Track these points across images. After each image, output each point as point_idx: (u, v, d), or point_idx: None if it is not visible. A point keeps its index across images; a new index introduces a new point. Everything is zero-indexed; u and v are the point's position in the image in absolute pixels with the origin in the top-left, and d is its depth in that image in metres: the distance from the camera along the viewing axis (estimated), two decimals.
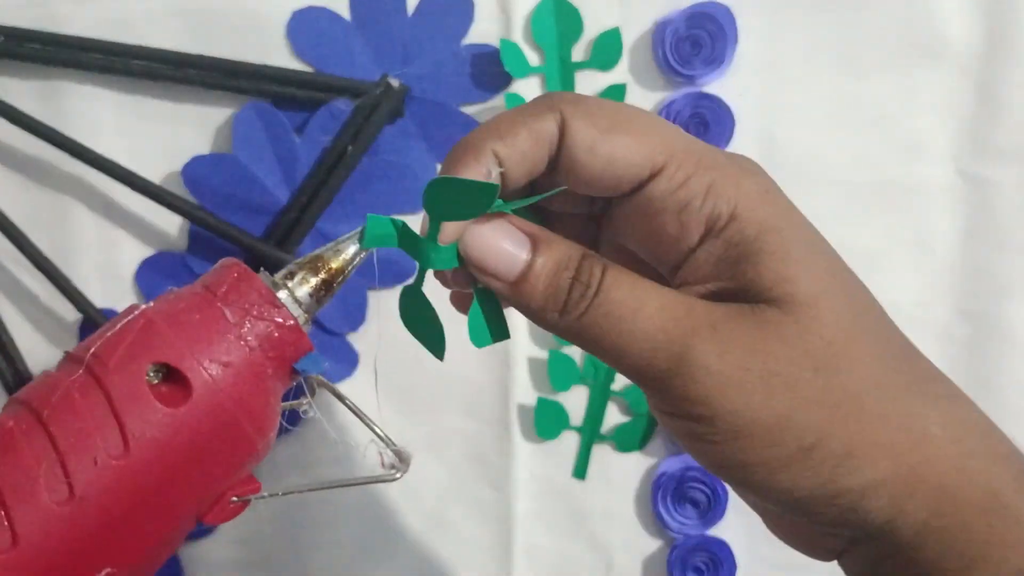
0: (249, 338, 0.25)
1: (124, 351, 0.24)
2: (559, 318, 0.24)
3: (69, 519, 0.23)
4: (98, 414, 0.23)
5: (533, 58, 0.40)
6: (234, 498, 0.26)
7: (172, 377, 0.24)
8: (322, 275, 0.26)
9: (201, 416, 0.24)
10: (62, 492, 0.23)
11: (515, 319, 0.41)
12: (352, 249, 0.26)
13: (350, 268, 0.26)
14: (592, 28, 0.40)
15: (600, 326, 0.23)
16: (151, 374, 0.24)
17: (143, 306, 0.25)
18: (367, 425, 0.27)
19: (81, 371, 0.24)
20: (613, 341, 0.23)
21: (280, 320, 0.25)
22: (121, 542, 0.24)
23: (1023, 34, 0.39)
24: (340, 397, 0.27)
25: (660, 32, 0.39)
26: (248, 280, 0.25)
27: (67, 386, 0.24)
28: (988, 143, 0.40)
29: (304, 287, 0.26)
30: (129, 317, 0.25)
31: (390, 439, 0.27)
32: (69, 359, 0.25)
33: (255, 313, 0.25)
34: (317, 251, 0.26)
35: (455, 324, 0.42)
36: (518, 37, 0.40)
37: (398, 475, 0.27)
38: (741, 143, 0.40)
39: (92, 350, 0.24)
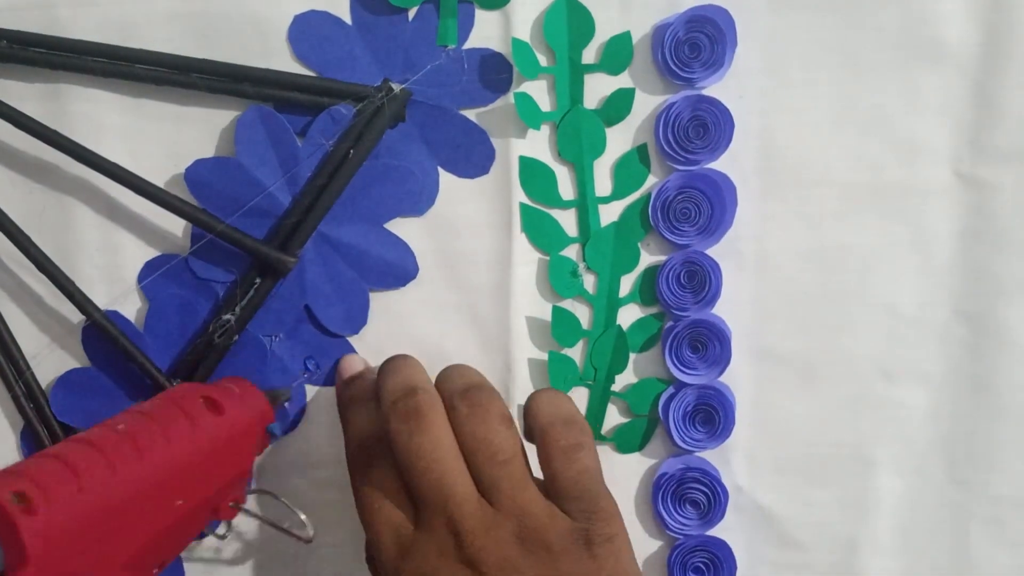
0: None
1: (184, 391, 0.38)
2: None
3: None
4: (168, 415, 0.36)
5: (539, 60, 0.40)
6: (231, 503, 0.38)
7: (212, 405, 0.37)
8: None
9: (229, 424, 0.37)
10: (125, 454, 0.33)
11: (515, 320, 0.42)
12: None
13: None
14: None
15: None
16: (201, 400, 0.37)
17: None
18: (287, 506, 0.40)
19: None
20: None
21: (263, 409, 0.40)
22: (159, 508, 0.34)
23: (1021, 36, 0.39)
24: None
25: (659, 35, 0.39)
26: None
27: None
28: (986, 145, 0.40)
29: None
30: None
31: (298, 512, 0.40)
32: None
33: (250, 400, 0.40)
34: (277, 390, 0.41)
35: (455, 326, 0.42)
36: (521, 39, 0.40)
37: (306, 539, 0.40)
38: (740, 145, 0.40)
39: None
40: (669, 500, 0.42)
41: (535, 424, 0.36)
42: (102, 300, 0.41)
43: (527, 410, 0.37)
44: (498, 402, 0.36)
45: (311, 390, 0.42)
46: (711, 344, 0.41)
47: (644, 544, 0.43)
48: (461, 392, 0.36)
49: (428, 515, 0.34)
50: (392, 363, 0.38)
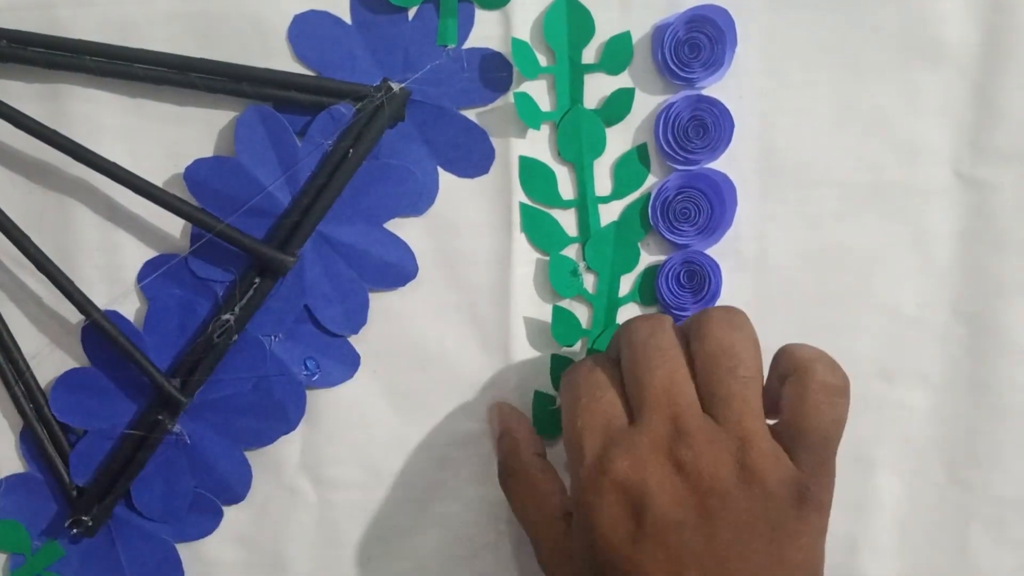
0: None
1: None
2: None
3: None
4: None
5: (539, 60, 0.40)
6: None
7: None
8: None
9: None
10: None
11: (514, 320, 0.42)
12: None
13: None
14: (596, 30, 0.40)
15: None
16: None
17: None
18: None
19: None
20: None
21: None
22: None
23: (1021, 36, 0.39)
24: None
25: (659, 35, 0.39)
26: None
27: None
28: (986, 145, 0.40)
29: None
30: None
31: None
32: None
33: None
34: None
35: (455, 325, 0.42)
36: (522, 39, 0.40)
37: None
38: (740, 145, 0.40)
39: None
40: None
41: (794, 359, 0.33)
42: (102, 300, 0.41)
43: (783, 351, 0.34)
44: (752, 326, 0.34)
45: (311, 390, 0.42)
46: None
47: None
48: (717, 306, 0.34)
49: (648, 411, 0.32)
50: None
